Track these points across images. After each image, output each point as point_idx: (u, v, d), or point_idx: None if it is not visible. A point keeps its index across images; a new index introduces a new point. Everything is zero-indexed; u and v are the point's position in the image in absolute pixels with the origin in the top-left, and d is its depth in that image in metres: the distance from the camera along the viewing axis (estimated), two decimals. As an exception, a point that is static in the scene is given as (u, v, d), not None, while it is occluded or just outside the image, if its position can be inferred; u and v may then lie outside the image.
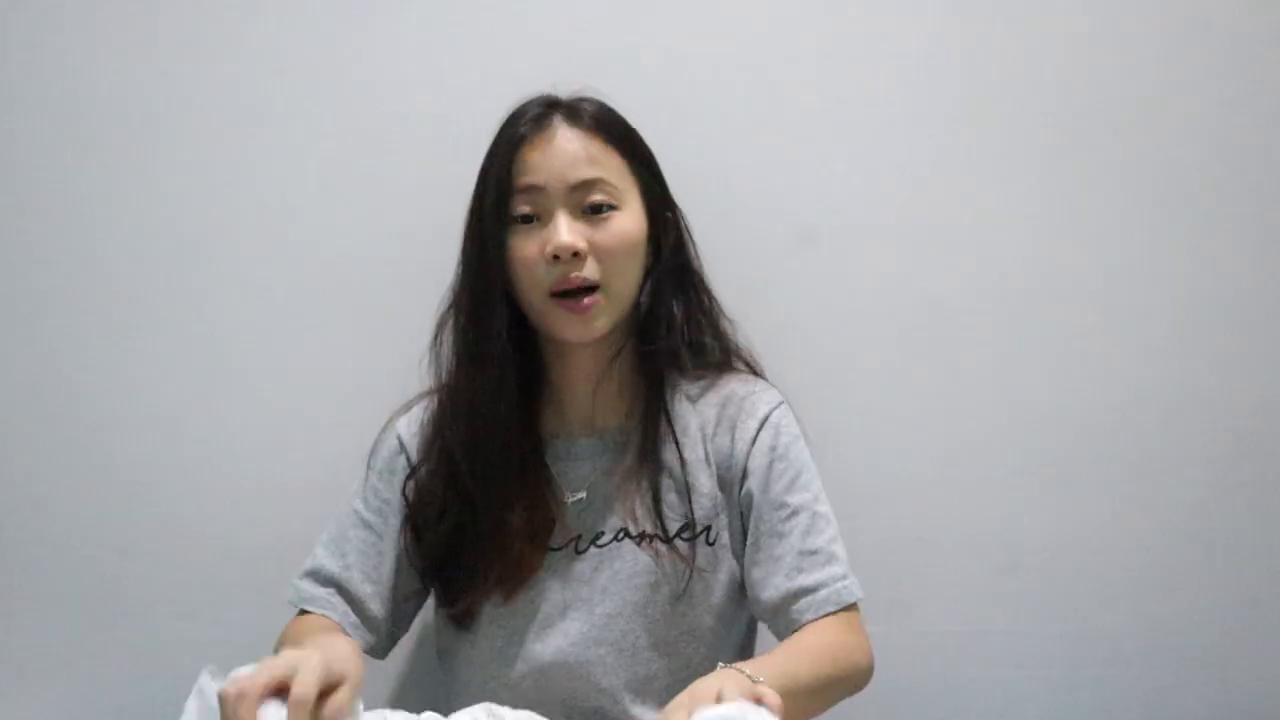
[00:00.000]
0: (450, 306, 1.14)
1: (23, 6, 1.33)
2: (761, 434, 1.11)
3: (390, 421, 1.18)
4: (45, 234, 1.35)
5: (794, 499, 1.09)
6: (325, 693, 0.82)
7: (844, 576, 1.07)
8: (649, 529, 1.10)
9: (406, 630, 1.18)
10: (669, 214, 1.16)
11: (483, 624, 1.11)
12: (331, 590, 1.09)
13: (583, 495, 1.12)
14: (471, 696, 1.05)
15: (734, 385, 1.15)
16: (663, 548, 1.09)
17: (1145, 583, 1.36)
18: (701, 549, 1.10)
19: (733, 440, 1.12)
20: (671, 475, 1.11)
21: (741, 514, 1.11)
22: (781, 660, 0.98)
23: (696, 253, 1.18)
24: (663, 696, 1.00)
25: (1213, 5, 1.34)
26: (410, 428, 1.16)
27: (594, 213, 1.08)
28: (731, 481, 1.12)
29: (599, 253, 1.07)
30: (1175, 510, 1.36)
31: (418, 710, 0.95)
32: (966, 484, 1.35)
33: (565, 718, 1.07)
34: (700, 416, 1.13)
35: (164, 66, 1.34)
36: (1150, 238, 1.35)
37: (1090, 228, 1.35)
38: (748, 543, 1.10)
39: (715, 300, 1.19)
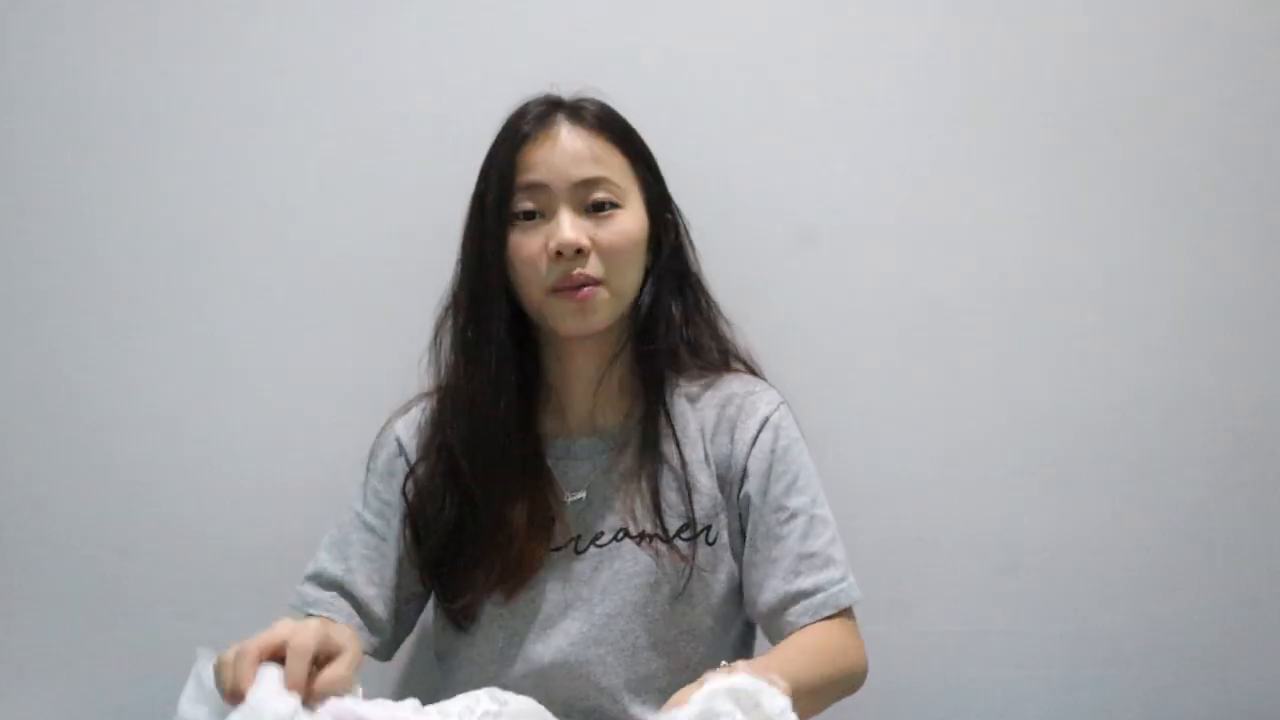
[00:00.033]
0: (449, 305, 1.14)
1: (23, 6, 1.33)
2: (762, 435, 1.11)
3: (389, 423, 1.18)
4: (45, 234, 1.35)
5: (792, 502, 1.09)
6: (323, 662, 0.83)
7: (841, 579, 1.07)
8: (649, 528, 1.10)
9: (410, 632, 1.18)
10: (669, 215, 1.16)
11: (482, 624, 1.11)
12: (335, 594, 1.09)
13: (582, 495, 1.12)
14: (471, 697, 1.05)
15: (734, 385, 1.15)
16: (663, 547, 1.09)
17: (1145, 583, 1.36)
18: (701, 548, 1.10)
19: (732, 441, 1.12)
20: (671, 475, 1.11)
21: (740, 515, 1.11)
22: (781, 660, 0.98)
23: (695, 254, 1.18)
24: (662, 696, 1.00)
25: (1213, 5, 1.34)
26: (409, 429, 1.16)
27: (596, 210, 1.08)
28: (731, 482, 1.12)
29: (602, 250, 1.07)
30: (1175, 510, 1.36)
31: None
32: (966, 484, 1.35)
33: (565, 717, 1.07)
34: (700, 416, 1.13)
35: (164, 66, 1.34)
36: (1150, 238, 1.36)
37: (1090, 228, 1.35)
38: (746, 544, 1.10)
39: (713, 302, 1.19)
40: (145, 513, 1.35)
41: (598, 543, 1.10)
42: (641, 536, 1.09)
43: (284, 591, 1.11)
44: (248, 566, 1.31)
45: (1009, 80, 1.34)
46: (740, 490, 1.11)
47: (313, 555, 1.13)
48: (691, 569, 1.09)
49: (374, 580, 1.11)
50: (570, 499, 1.12)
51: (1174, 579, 1.36)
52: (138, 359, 1.35)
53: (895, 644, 1.32)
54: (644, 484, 1.10)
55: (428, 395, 1.18)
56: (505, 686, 1.08)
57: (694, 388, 1.15)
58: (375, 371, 1.28)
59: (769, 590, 1.07)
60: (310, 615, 1.08)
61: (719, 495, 1.11)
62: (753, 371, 1.19)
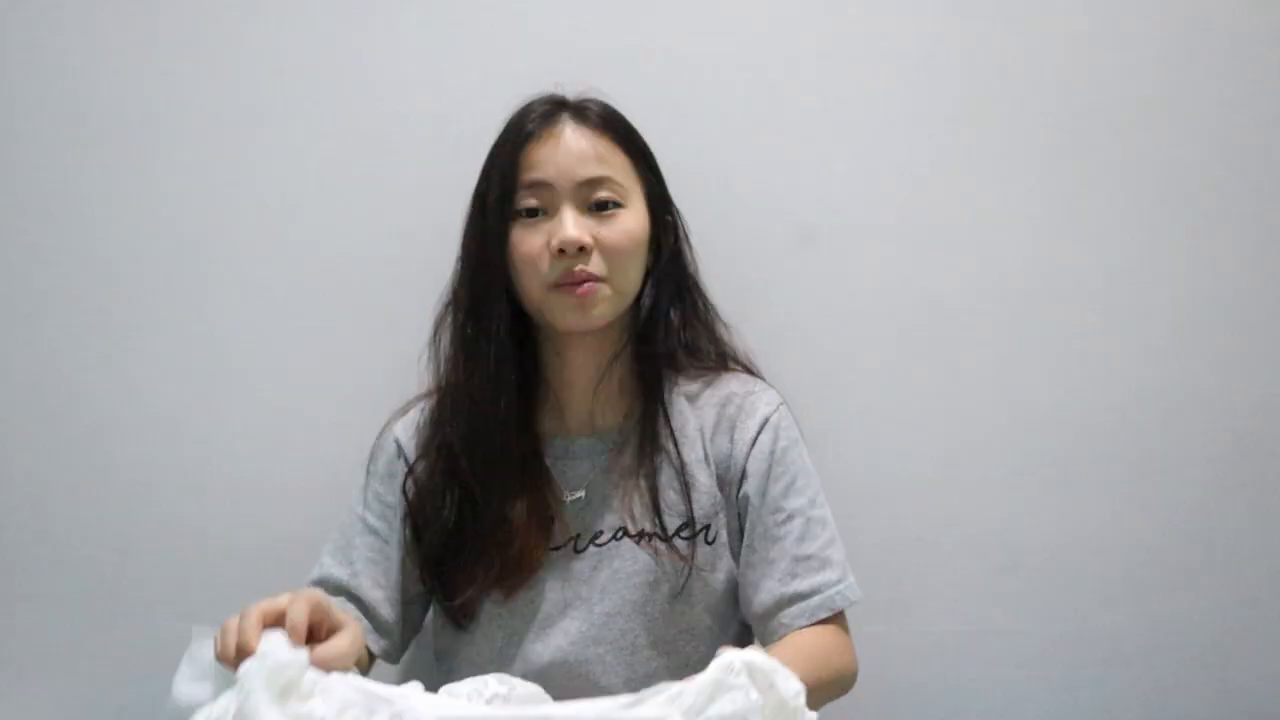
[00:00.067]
0: (449, 301, 1.15)
1: (23, 6, 1.33)
2: (761, 436, 1.11)
3: (387, 425, 1.18)
4: (45, 234, 1.35)
5: (790, 503, 1.09)
6: (324, 637, 0.87)
7: (838, 581, 1.07)
8: (647, 527, 1.10)
9: (416, 634, 1.18)
10: (669, 217, 1.16)
11: (482, 623, 1.11)
12: (342, 598, 1.09)
13: (581, 494, 1.12)
14: (471, 696, 1.05)
15: (733, 385, 1.15)
16: (662, 546, 1.09)
17: (1145, 583, 1.36)
18: (701, 547, 1.10)
19: (732, 441, 1.12)
20: (670, 474, 1.11)
21: (739, 514, 1.11)
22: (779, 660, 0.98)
23: (693, 256, 1.18)
24: (662, 696, 1.00)
25: (1213, 5, 1.34)
26: (407, 430, 1.16)
27: (599, 210, 1.08)
28: (730, 482, 1.12)
29: (604, 249, 1.08)
30: (1175, 510, 1.36)
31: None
32: (966, 484, 1.35)
33: (565, 717, 1.07)
34: (699, 416, 1.13)
35: (164, 66, 1.34)
36: (1150, 238, 1.36)
37: (1090, 228, 1.35)
38: (743, 544, 1.10)
39: (711, 304, 1.19)
40: (145, 513, 1.35)
41: (597, 542, 1.10)
42: (641, 535, 1.10)
43: (283, 591, 1.11)
44: (248, 566, 1.31)
45: (1009, 80, 1.34)
46: (739, 490, 1.11)
47: (316, 561, 1.13)
48: (690, 568, 1.09)
49: (380, 583, 1.11)
50: (569, 498, 1.12)
51: (1174, 579, 1.36)
52: (138, 359, 1.35)
53: (895, 644, 1.33)
54: (642, 483, 1.10)
55: (426, 396, 1.18)
56: (505, 686, 1.09)
57: (693, 387, 1.15)
58: (375, 371, 1.28)
59: (764, 591, 1.07)
60: None
61: (718, 494, 1.11)
62: (750, 372, 1.19)
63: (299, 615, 0.85)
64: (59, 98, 1.33)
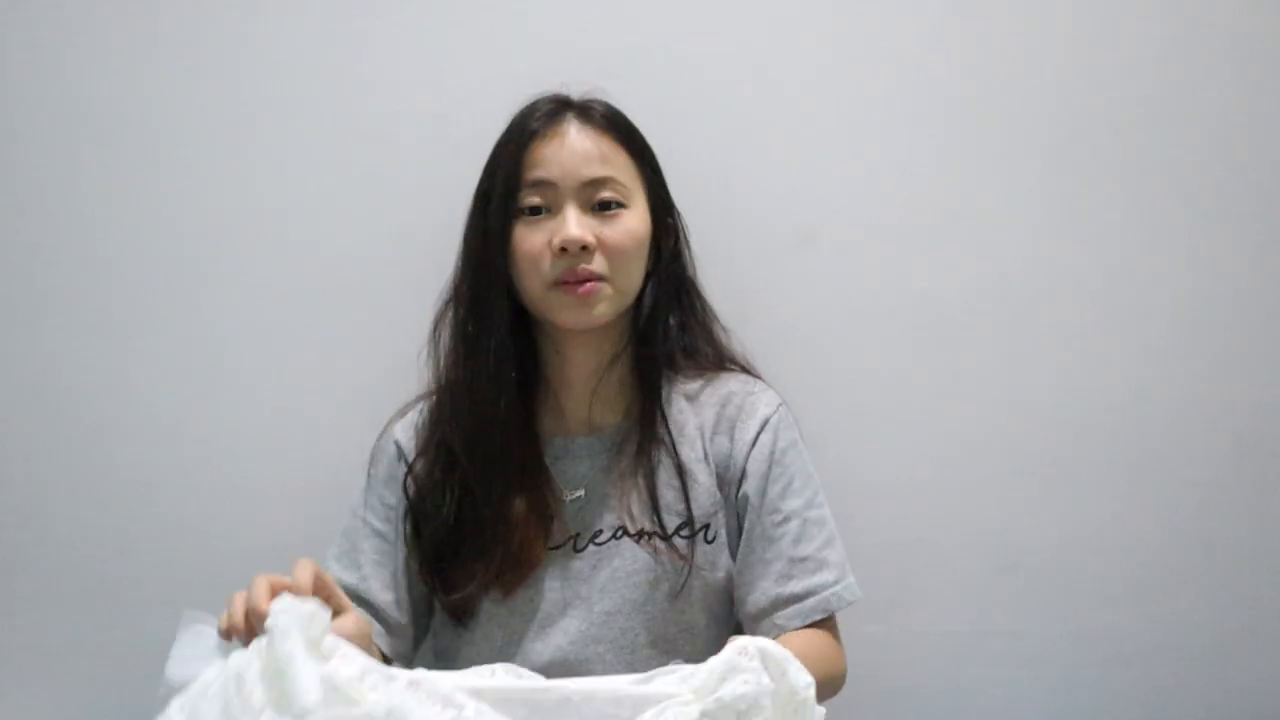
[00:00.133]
0: (450, 298, 1.15)
1: (23, 6, 1.33)
2: (762, 436, 1.11)
3: (387, 427, 1.18)
4: (45, 234, 1.35)
5: (788, 505, 1.09)
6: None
7: (833, 583, 1.08)
8: (647, 526, 1.10)
9: (427, 634, 1.17)
10: (670, 218, 1.16)
11: (481, 622, 1.11)
12: (353, 604, 1.09)
13: (581, 493, 1.12)
14: (471, 696, 1.05)
15: (732, 385, 1.15)
16: (661, 545, 1.09)
17: (1145, 583, 1.37)
18: (700, 546, 1.10)
19: (732, 441, 1.12)
20: (668, 473, 1.11)
21: (738, 514, 1.11)
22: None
23: (692, 258, 1.18)
24: (662, 696, 1.00)
25: (1213, 5, 1.34)
26: (406, 432, 1.16)
27: (602, 209, 1.08)
28: (730, 481, 1.12)
29: (607, 249, 1.08)
30: (1175, 510, 1.36)
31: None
32: (966, 484, 1.36)
33: (565, 717, 1.07)
34: (699, 415, 1.14)
35: (164, 66, 1.34)
36: (1150, 238, 1.36)
37: (1090, 228, 1.35)
38: (741, 544, 1.10)
39: (709, 307, 1.19)
40: (145, 513, 1.35)
41: (596, 541, 1.10)
42: (640, 534, 1.10)
43: (284, 591, 1.11)
44: (248, 566, 1.29)
45: (1009, 80, 1.34)
46: (739, 490, 1.11)
47: (323, 568, 1.13)
48: (690, 567, 1.09)
49: (389, 586, 1.11)
50: (569, 497, 1.12)
51: (1174, 579, 1.36)
52: (138, 359, 1.35)
53: (895, 644, 1.33)
54: (641, 482, 1.10)
55: (425, 397, 1.18)
56: (505, 686, 1.08)
57: (693, 385, 1.15)
58: (374, 372, 1.28)
59: (759, 591, 1.08)
60: None
61: (717, 494, 1.11)
62: (749, 373, 1.19)
63: (305, 578, 0.87)
64: (59, 98, 1.33)
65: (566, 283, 1.07)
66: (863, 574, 1.10)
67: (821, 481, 1.13)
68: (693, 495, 1.10)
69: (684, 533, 1.10)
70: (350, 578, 1.11)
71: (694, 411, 1.14)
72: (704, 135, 1.32)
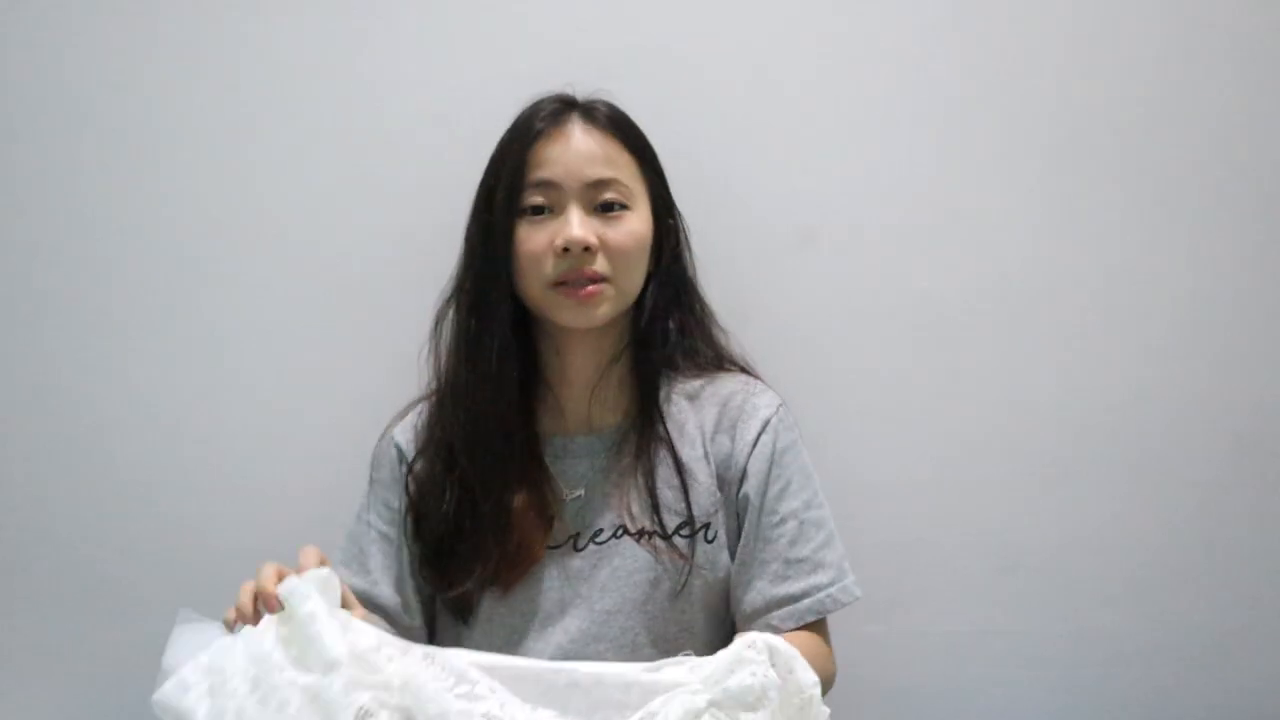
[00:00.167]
0: (451, 296, 1.15)
1: (23, 6, 1.33)
2: (762, 437, 1.11)
3: (387, 430, 1.18)
4: (45, 234, 1.35)
5: (786, 506, 1.09)
6: None
7: (829, 585, 1.08)
8: (647, 525, 1.10)
9: (434, 636, 1.18)
10: (671, 220, 1.16)
11: (482, 620, 1.11)
12: (365, 609, 1.09)
13: (580, 493, 1.12)
14: (471, 696, 1.05)
15: (732, 385, 1.15)
16: (661, 544, 1.09)
17: (1145, 583, 1.36)
18: (700, 546, 1.10)
19: (733, 441, 1.12)
20: (668, 473, 1.11)
21: (738, 514, 1.11)
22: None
23: (693, 259, 1.18)
24: (662, 696, 1.00)
25: (1213, 5, 1.34)
26: (406, 433, 1.16)
27: (605, 211, 1.09)
28: (730, 481, 1.12)
29: (609, 250, 1.08)
30: (1175, 510, 1.36)
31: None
32: (966, 484, 1.36)
33: (565, 717, 1.07)
34: (699, 415, 1.14)
35: (164, 66, 1.34)
36: (1150, 238, 1.36)
37: (1090, 228, 1.35)
38: (739, 543, 1.10)
39: (709, 308, 1.20)
40: (145, 513, 1.35)
41: (597, 540, 1.11)
42: (640, 534, 1.10)
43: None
44: (248, 566, 1.30)
45: (1009, 80, 1.34)
46: (739, 490, 1.11)
47: None
48: (690, 566, 1.09)
49: (397, 588, 1.12)
50: (569, 497, 1.12)
51: (1174, 579, 1.36)
52: (138, 359, 1.35)
53: (895, 644, 1.33)
54: (641, 481, 1.10)
55: (425, 399, 1.18)
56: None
57: (693, 385, 1.15)
58: (374, 372, 1.28)
59: (755, 591, 1.08)
60: None
61: (717, 493, 1.11)
62: (748, 373, 1.19)
63: (312, 564, 0.89)
64: (59, 98, 1.33)
65: (568, 284, 1.07)
66: (863, 574, 1.10)
67: (821, 481, 1.13)
68: (693, 495, 1.10)
69: (684, 532, 1.10)
70: (360, 582, 1.11)
71: (694, 411, 1.14)
72: (704, 135, 1.32)
